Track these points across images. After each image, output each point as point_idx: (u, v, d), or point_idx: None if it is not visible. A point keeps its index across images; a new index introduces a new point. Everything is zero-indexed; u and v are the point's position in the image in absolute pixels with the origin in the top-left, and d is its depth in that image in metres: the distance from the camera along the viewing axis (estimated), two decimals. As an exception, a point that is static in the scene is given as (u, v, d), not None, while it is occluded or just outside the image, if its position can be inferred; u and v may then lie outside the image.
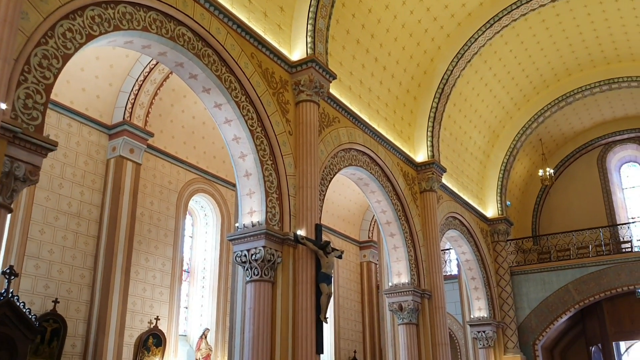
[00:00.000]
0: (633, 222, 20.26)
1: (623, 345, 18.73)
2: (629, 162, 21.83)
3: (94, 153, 12.62)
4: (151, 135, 13.31)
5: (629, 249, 18.56)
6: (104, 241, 12.04)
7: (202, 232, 16.08)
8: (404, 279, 13.73)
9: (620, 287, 17.27)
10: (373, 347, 19.60)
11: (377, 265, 19.12)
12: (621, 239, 19.48)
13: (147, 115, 13.30)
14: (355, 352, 19.07)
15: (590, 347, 19.20)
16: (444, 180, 15.94)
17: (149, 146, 13.68)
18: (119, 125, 12.84)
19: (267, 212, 9.53)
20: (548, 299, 18.14)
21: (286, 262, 9.60)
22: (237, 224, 9.79)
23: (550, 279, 18.27)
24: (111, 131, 12.92)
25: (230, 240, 9.70)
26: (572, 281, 17.86)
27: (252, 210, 9.66)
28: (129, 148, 12.78)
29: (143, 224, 13.77)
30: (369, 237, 20.93)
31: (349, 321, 19.52)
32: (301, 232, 9.78)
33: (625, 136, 21.47)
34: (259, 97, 9.69)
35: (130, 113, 12.91)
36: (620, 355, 18.55)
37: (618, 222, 20.36)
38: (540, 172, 18.35)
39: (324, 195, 10.94)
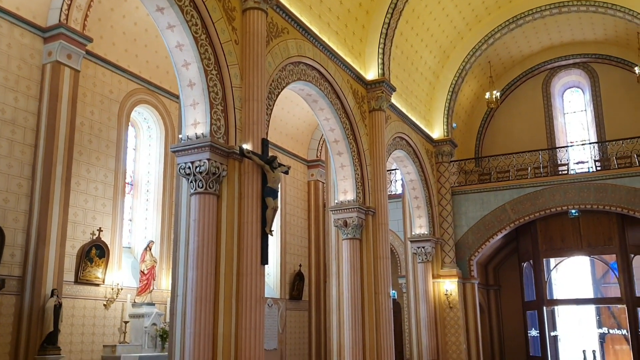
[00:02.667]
0: (571, 146, 21.04)
1: (553, 261, 19.92)
2: (573, 87, 22.35)
3: (27, 57, 11.88)
4: (90, 40, 12.60)
5: (565, 172, 19.37)
6: (42, 150, 11.58)
7: (145, 144, 15.71)
8: (350, 196, 13.96)
9: (554, 208, 18.13)
10: (318, 261, 20.18)
11: (324, 184, 19.33)
12: (559, 162, 20.27)
13: (85, 19, 12.51)
14: (300, 265, 19.60)
15: (522, 263, 20.37)
16: (393, 100, 15.95)
17: (88, 52, 12.98)
18: (55, 28, 12.05)
19: (211, 124, 9.34)
20: (485, 217, 18.91)
21: (232, 176, 9.53)
22: (180, 136, 9.57)
23: (489, 199, 18.97)
24: (46, 34, 12.13)
25: (174, 151, 9.51)
26: (510, 201, 18.62)
27: (196, 122, 9.44)
28: (66, 53, 12.08)
29: (83, 134, 13.30)
30: (317, 156, 21.01)
31: (295, 237, 19.90)
32: (247, 146, 9.67)
33: (571, 61, 21.85)
34: (203, 2, 9.24)
35: (67, 15, 12.10)
36: (549, 270, 19.77)
37: (557, 146, 21.09)
38: (487, 95, 18.58)
39: (271, 110, 10.77)
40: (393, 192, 21.53)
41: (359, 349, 13.00)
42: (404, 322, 20.21)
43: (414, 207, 18.67)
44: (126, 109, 14.57)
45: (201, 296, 8.78)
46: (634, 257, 18.34)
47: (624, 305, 18.14)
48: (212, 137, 9.24)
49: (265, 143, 9.98)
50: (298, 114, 19.48)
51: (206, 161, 9.08)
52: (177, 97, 10.35)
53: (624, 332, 19.44)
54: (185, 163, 9.27)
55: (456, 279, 18.41)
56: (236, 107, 9.73)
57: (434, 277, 18.49)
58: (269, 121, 10.58)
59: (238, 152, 9.51)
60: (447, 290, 18.37)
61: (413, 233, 18.70)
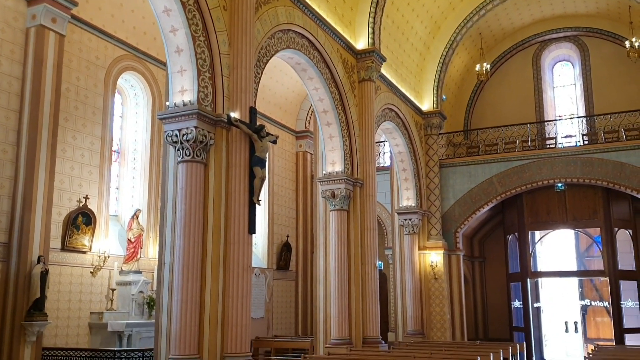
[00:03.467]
0: (559, 120, 21.10)
1: (538, 234, 20.15)
2: (563, 60, 22.30)
3: (11, 20, 11.60)
4: (75, 4, 12.30)
5: (553, 145, 19.46)
6: (27, 116, 11.38)
7: (132, 112, 15.54)
8: (338, 167, 13.95)
9: (540, 181, 18.27)
10: (305, 232, 20.26)
11: (313, 155, 19.29)
12: (547, 136, 20.34)
13: (69, -18, 12.20)
14: (288, 236, 19.67)
15: (508, 236, 20.59)
16: (382, 71, 15.84)
17: (74, 17, 12.69)
18: (38, -10, 11.75)
19: (199, 91, 9.25)
20: (472, 190, 19.02)
21: (219, 144, 9.49)
22: (167, 103, 9.47)
23: (477, 171, 19.06)
24: (30, -3, 11.83)
25: (161, 119, 9.43)
26: (497, 174, 18.72)
27: (184, 89, 9.34)
28: (51, 17, 11.79)
29: (69, 100, 13.12)
30: (305, 127, 20.90)
31: (283, 208, 19.92)
32: (235, 115, 9.60)
33: (562, 34, 21.77)
34: (191, -33, 9.05)
35: (51, -22, 11.78)
36: (534, 243, 20.01)
37: (546, 119, 21.13)
38: (477, 67, 18.51)
39: (260, 78, 10.66)
40: (381, 164, 21.56)
41: (344, 318, 13.15)
42: (389, 293, 20.46)
43: (402, 180, 18.72)
44: (112, 75, 14.36)
45: (188, 264, 8.81)
46: (617, 230, 18.60)
47: (607, 278, 18.44)
48: (200, 105, 9.16)
49: (253, 112, 9.91)
50: (287, 84, 19.31)
51: (193, 129, 9.02)
52: (165, 64, 10.23)
53: (606, 304, 19.83)
54: (172, 131, 9.20)
55: (442, 251, 18.59)
56: (224, 75, 9.63)
57: (420, 249, 18.65)
58: (257, 89, 10.49)
59: (226, 120, 9.45)
60: (432, 262, 18.57)
61: (400, 205, 18.79)
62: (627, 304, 18.35)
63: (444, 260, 18.60)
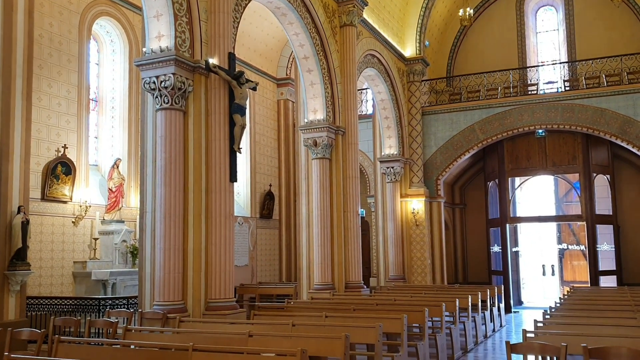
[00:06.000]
0: (541, 66, 21.03)
1: (518, 180, 20.40)
2: (546, 5, 22.01)
3: (-24, -37, 11.09)
4: (44, -55, 11.81)
5: (535, 92, 19.47)
6: (-1, 64, 11.05)
7: (109, 59, 15.18)
8: (320, 115, 13.86)
9: (521, 127, 18.36)
10: (288, 181, 20.30)
11: (294, 103, 19.11)
12: (529, 82, 20.32)
13: None
14: (270, 185, 19.70)
15: (488, 182, 20.82)
16: (364, 16, 15.55)
17: (43, -41, 12.21)
18: None
19: (176, 37, 9.04)
20: (454, 137, 19.09)
21: (198, 91, 9.35)
22: (144, 49, 9.25)
23: (459, 119, 19.08)
24: (-5, -63, 11.28)
25: (138, 65, 9.23)
26: (479, 121, 18.76)
27: (160, 35, 9.11)
28: (19, -41, 11.30)
29: (43, 47, 12.75)
30: (286, 74, 20.61)
31: (265, 157, 19.86)
32: (213, 61, 9.43)
33: (546, -21, 21.44)
34: None
35: None
36: (514, 189, 20.28)
37: (528, 65, 21.06)
38: (461, 12, 18.21)
39: (238, 23, 10.42)
40: (363, 112, 21.47)
41: (327, 265, 13.36)
42: (371, 240, 20.76)
43: (384, 127, 18.70)
44: (87, 21, 13.93)
45: (170, 213, 8.82)
46: (596, 176, 18.90)
47: (584, 223, 18.85)
48: (177, 51, 8.98)
49: (232, 58, 9.73)
50: (267, 29, 18.91)
51: (171, 76, 8.87)
52: (140, 9, 9.89)
53: (582, 247, 20.35)
54: (149, 78, 9.04)
55: (423, 198, 18.80)
56: (202, 20, 9.40)
57: (402, 196, 18.84)
58: (236, 35, 10.27)
59: (204, 66, 9.29)
60: (414, 209, 18.79)
61: (383, 153, 18.84)
62: (603, 247, 18.84)
63: (426, 207, 18.83)
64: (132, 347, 6.42)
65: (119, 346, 6.47)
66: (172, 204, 8.84)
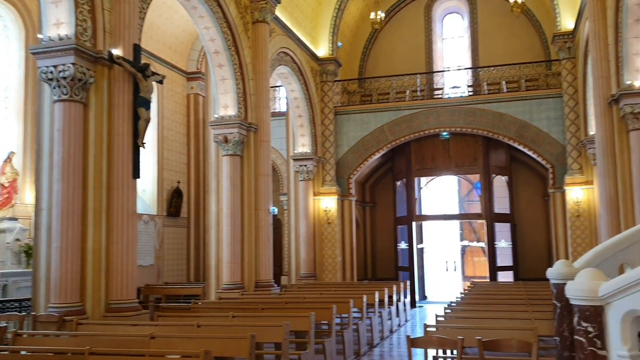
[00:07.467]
0: (447, 71, 21.88)
1: (424, 180, 21.14)
2: (453, 12, 22.93)
3: None
4: None
5: (440, 96, 20.23)
6: None
7: (1, 45, 14.17)
8: (231, 111, 13.67)
9: (427, 130, 19.01)
10: (197, 178, 19.85)
11: (205, 98, 18.73)
12: (435, 86, 21.09)
13: None
14: (179, 182, 19.20)
15: (396, 182, 21.43)
16: (277, 13, 15.50)
17: None
18: None
19: (77, 25, 8.59)
20: (365, 138, 19.47)
21: (100, 83, 8.95)
22: (41, 36, 8.71)
23: (369, 119, 19.48)
24: None
25: (34, 53, 8.70)
26: (388, 122, 19.24)
27: (59, 22, 8.62)
28: None
29: None
30: (197, 68, 20.16)
31: (174, 152, 19.32)
32: (117, 52, 9.04)
33: (453, -13, 22.30)
34: None
35: None
36: (420, 188, 20.98)
37: (435, 70, 21.85)
38: (372, 15, 18.59)
39: (145, 14, 10.05)
40: (277, 110, 21.42)
41: (236, 264, 13.19)
42: (283, 238, 20.76)
43: (298, 126, 18.75)
44: (-23, 4, 12.95)
45: (67, 210, 8.38)
46: (495, 177, 19.92)
47: (484, 221, 19.81)
48: (78, 40, 8.54)
49: (137, 49, 9.37)
50: (177, 22, 18.40)
51: (71, 66, 8.42)
52: (37, -8, 9.30)
53: (482, 244, 21.42)
54: (47, 67, 8.53)
55: (335, 197, 19.03)
56: (105, 8, 8.99)
57: (314, 195, 18.98)
58: (142, 26, 9.90)
59: (107, 57, 8.89)
60: (326, 207, 18.98)
61: (295, 151, 18.88)
62: (501, 244, 19.92)
63: (337, 206, 19.08)
64: (24, 352, 6.02)
65: (7, 352, 6.04)
66: (70, 201, 8.39)
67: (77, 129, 8.56)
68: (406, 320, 15.42)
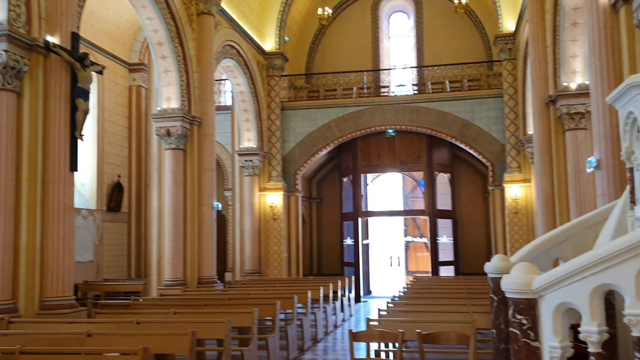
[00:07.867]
0: (393, 69, 22.16)
1: (370, 177, 21.37)
2: (399, 11, 23.21)
3: None
4: None
5: (386, 93, 20.47)
6: None
7: None
8: (174, 104, 13.40)
9: (373, 127, 19.19)
10: (139, 172, 19.32)
11: (147, 90, 18.26)
12: (381, 84, 21.31)
13: None
14: (119, 176, 18.65)
15: (343, 178, 21.56)
16: (223, 5, 15.28)
17: None
18: None
19: (9, 10, 8.22)
20: (312, 134, 19.47)
21: (35, 72, 8.59)
22: (-31, 20, 8.26)
23: (316, 115, 19.49)
24: None
25: (-38, 39, 8.22)
26: (335, 119, 19.30)
27: (-10, 7, 8.19)
28: None
29: None
30: (140, 60, 19.60)
31: (114, 146, 18.75)
32: (54, 40, 8.69)
33: (399, -14, 22.57)
34: None
35: None
36: (366, 185, 21.20)
37: (381, 68, 22.08)
38: (319, 11, 18.60)
39: (84, 0, 9.70)
40: (222, 104, 21.15)
41: (179, 260, 12.97)
42: (228, 234, 20.54)
43: (243, 120, 18.57)
44: None
45: (-1, 204, 7.99)
46: (438, 174, 20.33)
47: (427, 217, 20.20)
48: (11, 26, 8.17)
49: (75, 38, 9.04)
50: (119, 11, 17.86)
51: (3, 53, 8.08)
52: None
53: (425, 240, 21.85)
54: (-24, 53, 8.09)
55: (281, 192, 18.96)
56: (41, -7, 8.60)
57: (260, 190, 18.85)
58: (81, 14, 9.56)
59: (43, 45, 8.55)
60: (272, 203, 18.89)
61: (241, 146, 18.70)
62: (443, 239, 20.37)
63: (284, 202, 19.01)
64: (-54, 354, 5.70)
65: None
66: (1, 195, 8.03)
67: (10, 119, 8.20)
68: (350, 315, 15.54)
